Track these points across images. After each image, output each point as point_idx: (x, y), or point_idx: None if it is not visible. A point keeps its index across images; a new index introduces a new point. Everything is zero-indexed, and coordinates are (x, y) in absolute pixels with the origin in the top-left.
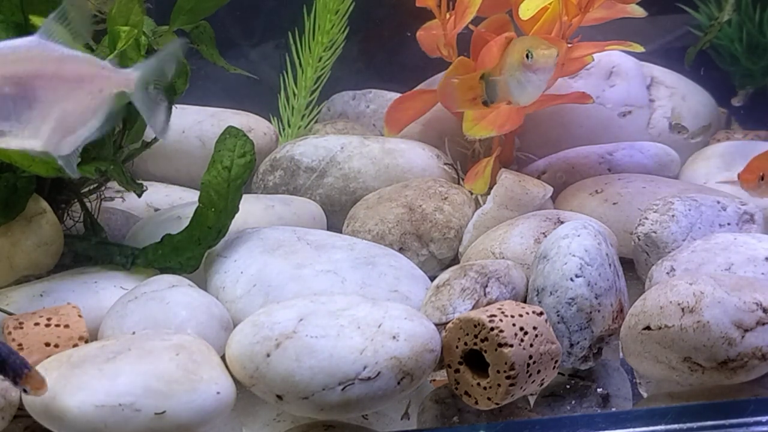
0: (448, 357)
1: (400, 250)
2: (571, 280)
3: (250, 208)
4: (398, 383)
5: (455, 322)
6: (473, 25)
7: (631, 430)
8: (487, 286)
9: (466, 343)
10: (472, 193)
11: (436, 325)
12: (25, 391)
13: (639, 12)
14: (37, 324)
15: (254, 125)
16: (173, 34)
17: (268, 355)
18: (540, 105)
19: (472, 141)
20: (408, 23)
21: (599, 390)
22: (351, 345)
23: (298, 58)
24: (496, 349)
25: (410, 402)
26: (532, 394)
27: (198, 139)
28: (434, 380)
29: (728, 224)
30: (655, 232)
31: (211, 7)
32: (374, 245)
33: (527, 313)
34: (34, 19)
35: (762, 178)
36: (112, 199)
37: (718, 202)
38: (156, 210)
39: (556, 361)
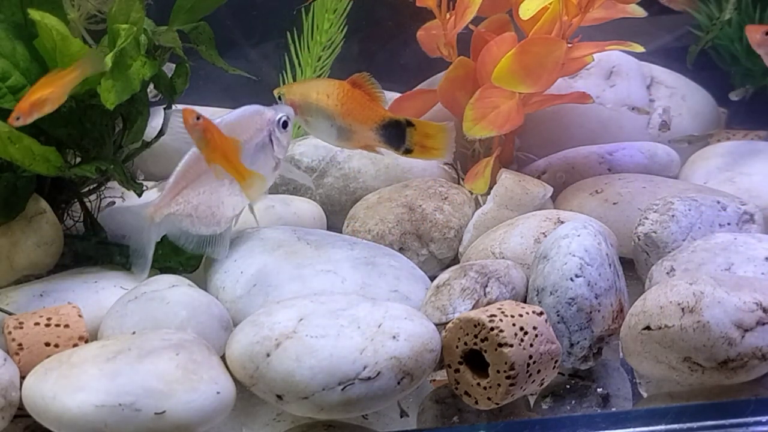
0: (448, 357)
1: (400, 250)
2: (571, 280)
3: None
4: (398, 383)
5: (455, 322)
6: (473, 25)
7: (631, 430)
8: (487, 286)
9: (466, 343)
10: (472, 193)
11: (436, 325)
12: None
13: (639, 12)
14: (37, 324)
15: None
16: (173, 32)
17: (268, 355)
18: (540, 105)
19: (472, 141)
20: (408, 23)
21: (599, 390)
22: (351, 345)
23: (297, 57)
24: (496, 349)
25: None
26: (532, 394)
27: None
28: (434, 380)
29: (728, 224)
30: (655, 232)
31: (211, 5)
32: (374, 245)
33: (527, 313)
34: (32, 13)
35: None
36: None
37: (718, 202)
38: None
39: (556, 361)
